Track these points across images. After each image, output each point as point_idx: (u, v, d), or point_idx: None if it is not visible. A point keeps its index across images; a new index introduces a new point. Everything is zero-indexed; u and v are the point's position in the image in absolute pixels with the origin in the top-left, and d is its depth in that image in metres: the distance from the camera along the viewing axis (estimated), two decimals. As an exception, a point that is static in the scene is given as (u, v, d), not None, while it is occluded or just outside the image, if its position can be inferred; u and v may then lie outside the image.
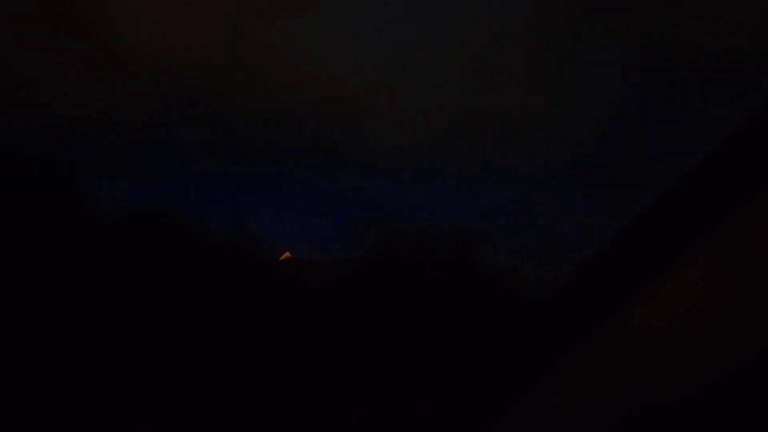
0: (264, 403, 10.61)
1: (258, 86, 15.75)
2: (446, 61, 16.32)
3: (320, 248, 14.75)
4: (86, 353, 10.64)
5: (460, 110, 16.27)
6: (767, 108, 1.07)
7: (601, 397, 1.15)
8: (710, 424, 1.14)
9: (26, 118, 13.90)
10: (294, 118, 16.08)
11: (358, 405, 10.70)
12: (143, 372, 10.61)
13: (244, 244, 13.82)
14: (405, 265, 13.80)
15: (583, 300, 1.18)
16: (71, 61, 14.82)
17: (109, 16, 14.94)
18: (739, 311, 1.10)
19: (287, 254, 14.76)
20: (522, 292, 13.00)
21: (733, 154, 1.10)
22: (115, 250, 12.29)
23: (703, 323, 1.11)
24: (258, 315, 12.45)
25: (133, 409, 9.90)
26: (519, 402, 1.19)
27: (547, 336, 1.21)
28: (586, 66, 16.11)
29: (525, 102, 15.81)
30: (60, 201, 12.47)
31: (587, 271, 1.20)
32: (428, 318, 12.63)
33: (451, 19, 16.22)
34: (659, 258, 1.13)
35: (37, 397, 9.68)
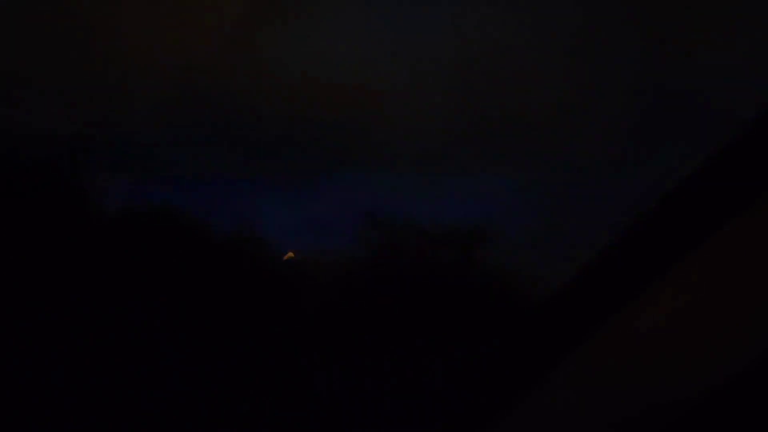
0: (267, 401, 10.62)
1: (262, 87, 15.75)
2: (449, 63, 16.30)
3: (323, 248, 14.75)
4: (88, 352, 10.65)
5: (464, 111, 16.25)
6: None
7: (605, 397, 1.15)
8: (714, 425, 1.14)
9: (30, 118, 13.91)
10: (298, 119, 16.08)
11: (361, 404, 10.70)
12: (146, 370, 10.61)
13: (248, 243, 13.83)
14: (408, 264, 13.79)
15: (586, 300, 1.18)
16: (78, 62, 14.83)
17: (112, 18, 14.94)
18: (742, 312, 1.10)
19: (290, 254, 14.76)
20: (524, 292, 12.99)
21: (736, 156, 1.11)
22: (119, 249, 12.29)
23: (707, 324, 1.12)
24: (261, 314, 12.45)
25: (133, 408, 9.91)
26: (524, 402, 1.20)
27: (551, 335, 1.21)
28: (589, 66, 16.07)
29: (529, 103, 15.79)
30: (63, 201, 12.48)
31: (590, 271, 1.20)
32: (431, 317, 12.63)
33: (453, 22, 16.20)
34: (663, 258, 1.13)
35: (38, 394, 9.69)
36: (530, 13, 15.53)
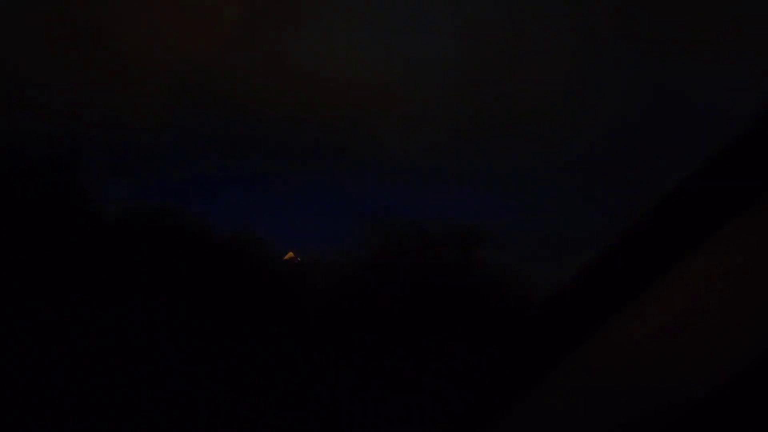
0: (267, 401, 10.61)
1: (263, 89, 15.77)
2: (449, 66, 16.30)
3: (323, 248, 14.76)
4: (88, 352, 10.64)
5: (463, 113, 16.25)
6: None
7: (605, 397, 1.15)
8: (714, 425, 1.14)
9: (34, 119, 13.93)
10: (298, 121, 16.10)
11: (361, 404, 10.69)
12: (146, 370, 10.61)
13: (249, 243, 13.83)
14: (408, 264, 13.78)
15: (586, 300, 1.18)
16: (80, 63, 14.83)
17: (115, 20, 14.95)
18: (742, 312, 1.10)
19: (291, 254, 14.78)
20: (524, 292, 12.99)
21: (736, 156, 1.10)
22: (119, 249, 12.29)
23: (707, 324, 1.11)
24: (261, 314, 12.45)
25: (133, 408, 9.90)
26: (524, 402, 1.19)
27: (550, 336, 1.21)
28: (589, 65, 16.07)
29: (528, 105, 15.79)
30: (63, 201, 12.48)
31: (591, 271, 1.19)
32: (431, 317, 12.62)
33: (454, 25, 16.20)
34: (663, 258, 1.13)
35: (38, 394, 9.68)
36: (530, 12, 15.53)
